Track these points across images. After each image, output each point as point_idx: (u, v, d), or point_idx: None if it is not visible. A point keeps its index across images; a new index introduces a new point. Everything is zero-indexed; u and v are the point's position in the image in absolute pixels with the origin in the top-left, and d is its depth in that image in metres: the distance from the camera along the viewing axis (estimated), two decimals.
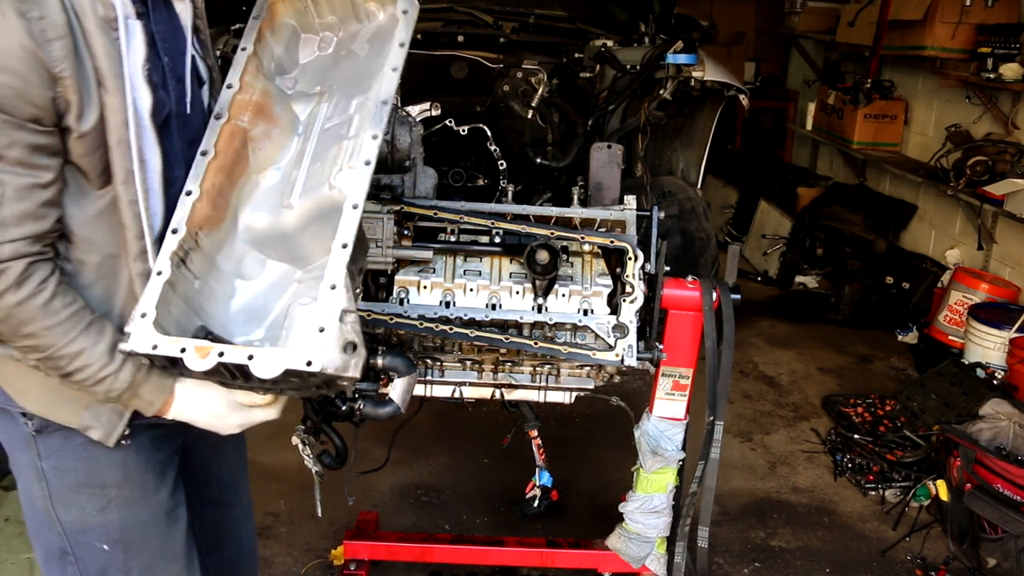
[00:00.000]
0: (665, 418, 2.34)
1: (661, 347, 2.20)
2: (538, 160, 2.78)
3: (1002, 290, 4.64)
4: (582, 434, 3.82)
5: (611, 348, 2.15)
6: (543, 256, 2.12)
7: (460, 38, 3.08)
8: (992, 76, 4.72)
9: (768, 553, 3.15)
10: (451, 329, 2.12)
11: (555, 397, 2.50)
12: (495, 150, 2.83)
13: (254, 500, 1.97)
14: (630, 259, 2.14)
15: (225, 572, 1.86)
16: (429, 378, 2.40)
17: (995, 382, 3.97)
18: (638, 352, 2.15)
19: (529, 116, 2.89)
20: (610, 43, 3.18)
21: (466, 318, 2.17)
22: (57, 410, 1.39)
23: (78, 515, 1.46)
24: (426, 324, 2.12)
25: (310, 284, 1.46)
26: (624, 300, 2.14)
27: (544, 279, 2.16)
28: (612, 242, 2.16)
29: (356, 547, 2.75)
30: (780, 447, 3.92)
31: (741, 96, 2.88)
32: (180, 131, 1.41)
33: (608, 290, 2.22)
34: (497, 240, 2.28)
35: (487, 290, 2.22)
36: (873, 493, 3.54)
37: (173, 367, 1.31)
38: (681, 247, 2.69)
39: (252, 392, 1.42)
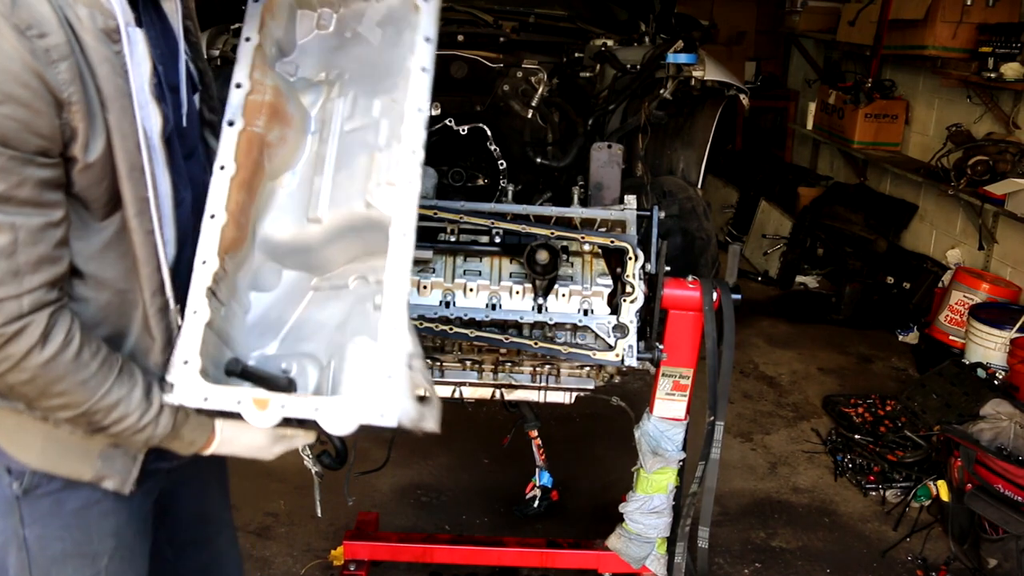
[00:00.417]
0: (665, 418, 2.34)
1: (661, 347, 2.20)
2: (538, 160, 2.77)
3: (1003, 290, 4.64)
4: (582, 434, 3.82)
5: (611, 348, 2.15)
6: (543, 256, 2.11)
7: (460, 37, 3.07)
8: (993, 76, 4.72)
9: (768, 553, 3.15)
10: (451, 329, 2.11)
11: (555, 397, 2.50)
12: (495, 150, 2.82)
13: (254, 500, 1.97)
14: (630, 259, 2.14)
15: None
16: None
17: (996, 382, 3.97)
18: (638, 352, 2.15)
19: (529, 116, 2.88)
20: (610, 42, 3.17)
21: (466, 318, 2.16)
22: (66, 463, 1.26)
23: None
24: (426, 324, 2.12)
25: (328, 293, 1.39)
26: (624, 300, 2.14)
27: (544, 279, 2.16)
28: (612, 242, 2.15)
29: (356, 547, 2.75)
30: (780, 447, 3.91)
31: (741, 96, 2.88)
32: (180, 147, 1.30)
33: (608, 290, 2.22)
34: (497, 240, 2.28)
35: (487, 290, 2.21)
36: (874, 493, 3.54)
37: (223, 415, 1.20)
38: (681, 247, 2.69)
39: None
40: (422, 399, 1.18)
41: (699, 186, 2.94)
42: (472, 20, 3.33)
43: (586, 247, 2.25)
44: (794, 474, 3.69)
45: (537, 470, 2.86)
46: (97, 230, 1.16)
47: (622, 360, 2.14)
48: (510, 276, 2.23)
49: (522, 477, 2.95)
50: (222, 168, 1.26)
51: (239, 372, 1.22)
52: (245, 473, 2.50)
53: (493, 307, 2.19)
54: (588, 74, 3.13)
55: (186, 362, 1.17)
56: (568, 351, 2.14)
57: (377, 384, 1.15)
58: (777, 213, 6.40)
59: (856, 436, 3.86)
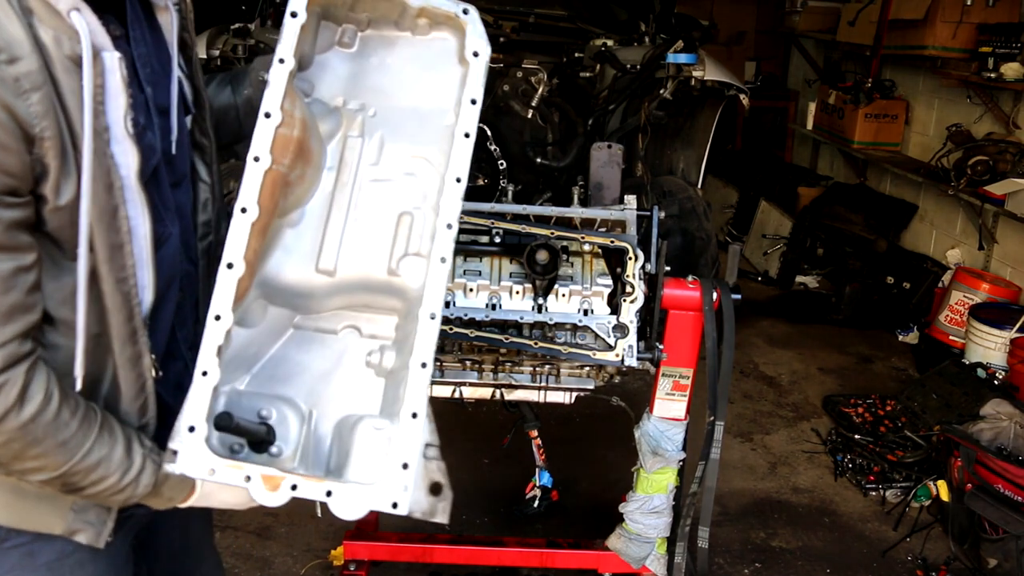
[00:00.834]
0: (665, 418, 2.34)
1: (661, 347, 2.20)
2: (538, 160, 2.77)
3: (1003, 290, 4.64)
4: (582, 434, 3.82)
5: (611, 348, 2.15)
6: (543, 256, 2.11)
7: None
8: (993, 76, 4.72)
9: (768, 553, 3.15)
10: (451, 329, 2.11)
11: (555, 397, 2.50)
12: (495, 150, 2.83)
13: None
14: (630, 259, 2.14)
15: None
16: None
17: (996, 382, 3.97)
18: (638, 352, 2.15)
19: (529, 116, 2.88)
20: (610, 42, 3.18)
21: (466, 318, 2.16)
22: (34, 518, 1.15)
23: None
24: None
25: (311, 335, 1.31)
26: (624, 300, 2.14)
27: (544, 279, 2.16)
28: (612, 242, 2.15)
29: (356, 547, 2.74)
30: (780, 447, 3.91)
31: (741, 96, 2.88)
32: (167, 176, 1.18)
33: (608, 290, 2.22)
34: (497, 240, 2.28)
35: (487, 290, 2.21)
36: (874, 493, 3.54)
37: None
38: (681, 247, 2.69)
39: None
40: (435, 490, 1.16)
41: (699, 186, 2.94)
42: None
43: (586, 247, 2.25)
44: (794, 474, 3.69)
45: (537, 470, 2.86)
46: (69, 269, 1.04)
47: (622, 360, 2.14)
48: (510, 276, 2.23)
49: (522, 477, 2.95)
50: (243, 211, 1.12)
51: (232, 428, 1.13)
52: None
53: (493, 307, 2.19)
54: (588, 74, 3.13)
55: (192, 429, 1.08)
56: (568, 351, 2.14)
57: (391, 472, 1.11)
58: (777, 213, 6.40)
59: (856, 436, 3.86)
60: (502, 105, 2.90)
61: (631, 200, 2.30)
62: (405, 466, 1.10)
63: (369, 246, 1.26)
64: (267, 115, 1.14)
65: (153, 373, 1.17)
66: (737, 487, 3.55)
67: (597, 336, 2.18)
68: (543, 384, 2.45)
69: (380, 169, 1.29)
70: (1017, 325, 4.15)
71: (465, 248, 2.28)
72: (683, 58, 2.75)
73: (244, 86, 1.47)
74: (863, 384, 4.57)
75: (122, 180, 1.04)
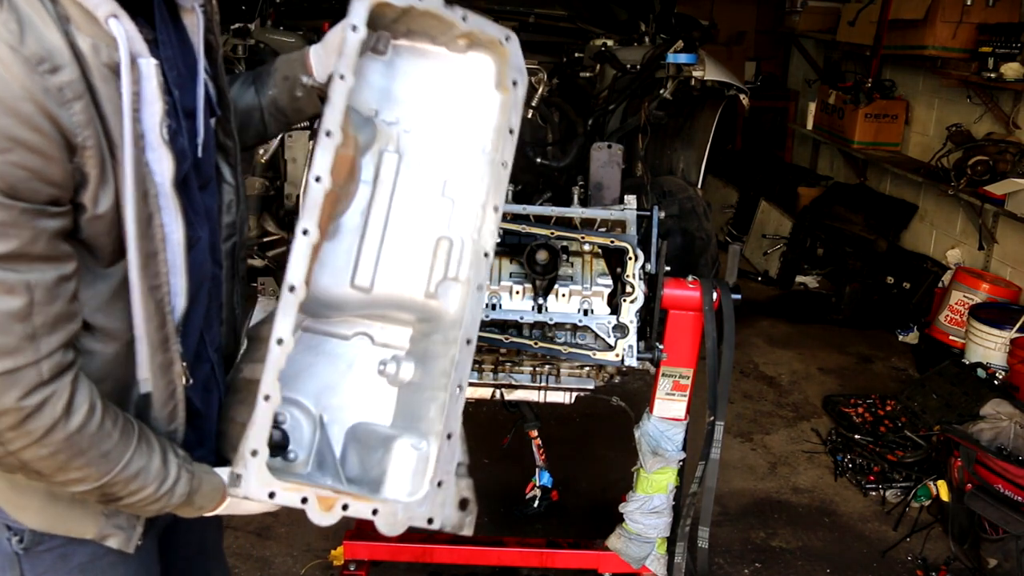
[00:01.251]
0: (665, 418, 2.34)
1: (661, 347, 2.20)
2: (538, 160, 2.77)
3: (1003, 290, 4.64)
4: (582, 434, 3.82)
5: (611, 348, 2.15)
6: (543, 256, 2.11)
7: None
8: (993, 76, 4.72)
9: (768, 553, 3.15)
10: None
11: (555, 397, 2.50)
12: None
13: None
14: (630, 259, 2.14)
15: None
16: None
17: (996, 382, 3.97)
18: (638, 352, 2.15)
19: (529, 116, 2.88)
20: (610, 42, 3.17)
21: None
22: (68, 522, 1.16)
23: None
24: None
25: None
26: (624, 300, 2.14)
27: (544, 279, 2.16)
28: (612, 242, 2.15)
29: (356, 547, 2.74)
30: (780, 447, 3.91)
31: (741, 96, 2.88)
32: (195, 179, 1.17)
33: (608, 290, 2.22)
34: (497, 240, 2.27)
35: (487, 290, 2.21)
36: (874, 493, 3.54)
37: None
38: (681, 247, 2.69)
39: None
40: (463, 505, 1.22)
41: (699, 186, 2.94)
42: None
43: (586, 247, 2.25)
44: (794, 474, 3.69)
45: (537, 470, 2.86)
46: (103, 276, 1.05)
47: (622, 360, 2.14)
48: (510, 276, 2.23)
49: (522, 477, 2.94)
50: (305, 233, 1.10)
51: (281, 445, 1.19)
52: None
53: (493, 307, 2.19)
54: (588, 74, 3.13)
55: (255, 453, 1.08)
56: (568, 351, 2.14)
57: (428, 490, 1.17)
58: (777, 213, 6.40)
59: (856, 436, 3.86)
60: None
61: (631, 200, 2.30)
62: (440, 484, 1.17)
63: (407, 267, 1.28)
64: (328, 134, 1.11)
65: (183, 380, 1.17)
66: (737, 487, 3.55)
67: (597, 336, 2.18)
68: (543, 384, 2.45)
69: (416, 189, 1.29)
70: (1017, 325, 4.15)
71: None
72: (683, 58, 2.75)
73: (268, 87, 1.45)
74: (863, 384, 4.57)
75: (157, 187, 1.04)
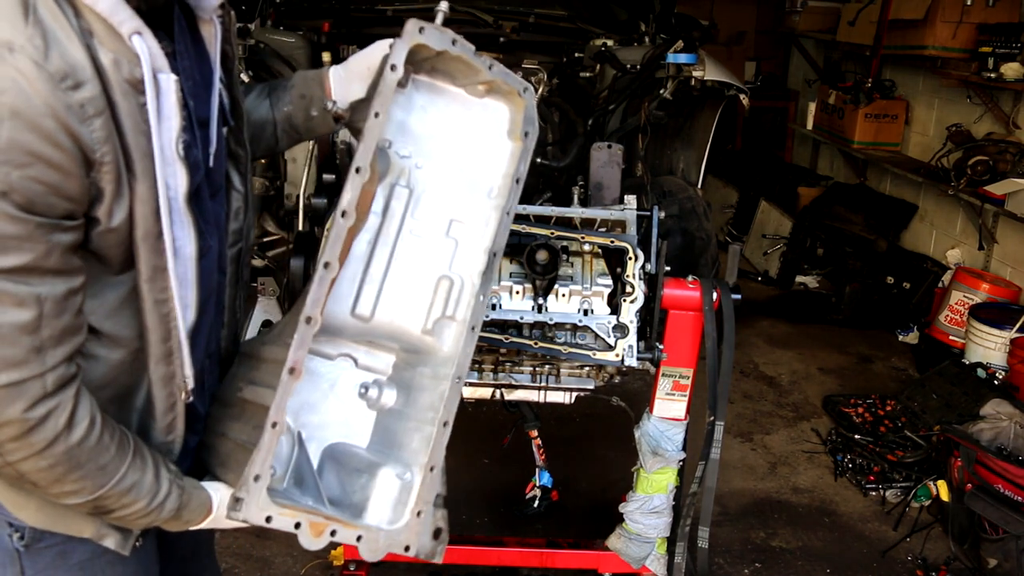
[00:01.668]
0: (665, 418, 2.34)
1: (661, 347, 2.20)
2: (538, 160, 2.77)
3: (1003, 290, 4.64)
4: (582, 434, 3.82)
5: (611, 348, 2.15)
6: (543, 256, 2.11)
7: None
8: (993, 76, 4.72)
9: (768, 553, 3.15)
10: None
11: (555, 397, 2.50)
12: None
13: None
14: (630, 259, 2.14)
15: None
16: None
17: (996, 382, 3.97)
18: (638, 352, 2.15)
19: None
20: (610, 42, 3.17)
21: None
22: (65, 521, 1.17)
23: None
24: None
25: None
26: (624, 300, 2.14)
27: (544, 279, 2.16)
28: (612, 242, 2.15)
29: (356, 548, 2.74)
30: (780, 447, 3.91)
31: (742, 96, 2.88)
32: (207, 186, 1.17)
33: (608, 290, 2.22)
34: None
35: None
36: (874, 493, 3.54)
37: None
38: (681, 247, 2.69)
39: None
40: (436, 534, 1.27)
41: (699, 186, 2.94)
42: (472, 20, 3.33)
43: (586, 247, 2.25)
44: (794, 474, 3.69)
45: (537, 470, 2.86)
46: (112, 285, 1.06)
47: (622, 360, 2.14)
48: (510, 276, 2.22)
49: (522, 477, 2.94)
50: (326, 266, 1.13)
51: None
52: None
53: (493, 307, 2.19)
54: (588, 74, 3.13)
55: (257, 478, 1.10)
56: (568, 351, 2.14)
57: (409, 519, 1.23)
58: (777, 213, 6.40)
59: (856, 436, 3.86)
60: None
61: (631, 200, 2.30)
62: (419, 514, 1.23)
63: (407, 302, 1.30)
64: (358, 170, 1.13)
65: (183, 396, 1.17)
66: (737, 487, 3.55)
67: (597, 336, 2.18)
68: (543, 384, 2.45)
69: (423, 226, 1.32)
70: (1017, 325, 4.15)
71: None
72: (683, 58, 2.75)
73: (284, 103, 1.45)
74: (863, 384, 4.57)
75: (170, 202, 1.04)
